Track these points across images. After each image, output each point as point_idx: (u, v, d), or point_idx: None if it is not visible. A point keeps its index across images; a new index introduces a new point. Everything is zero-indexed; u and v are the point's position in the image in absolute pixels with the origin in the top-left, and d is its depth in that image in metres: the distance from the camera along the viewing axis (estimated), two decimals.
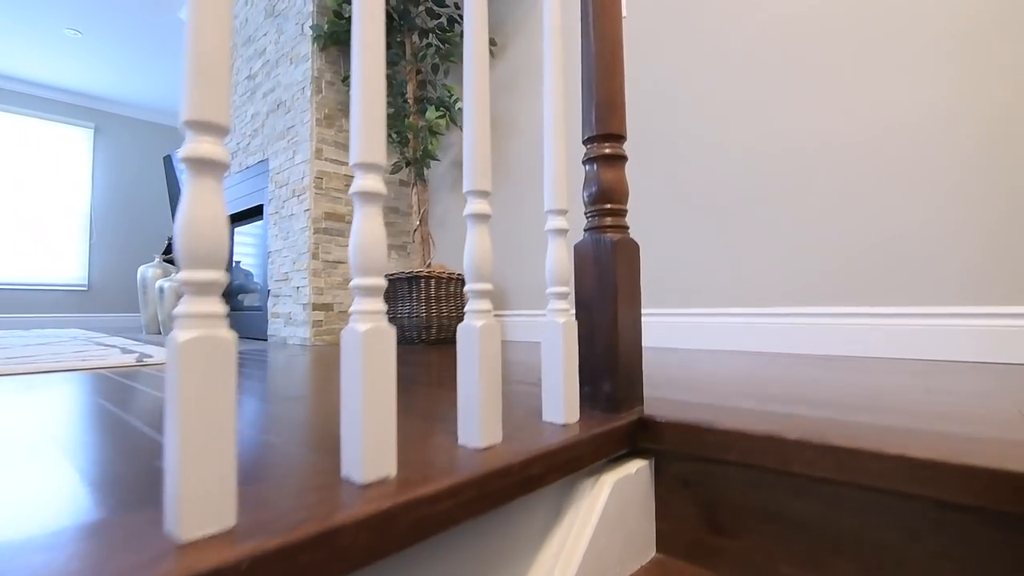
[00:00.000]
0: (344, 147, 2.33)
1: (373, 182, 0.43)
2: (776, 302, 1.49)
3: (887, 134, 1.32)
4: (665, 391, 0.81)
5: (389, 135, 2.18)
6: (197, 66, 0.32)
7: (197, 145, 0.32)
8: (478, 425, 0.50)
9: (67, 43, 3.82)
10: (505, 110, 2.28)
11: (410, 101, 2.15)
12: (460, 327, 0.52)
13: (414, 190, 2.17)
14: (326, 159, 2.26)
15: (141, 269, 3.22)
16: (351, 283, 0.42)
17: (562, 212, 0.64)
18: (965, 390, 0.80)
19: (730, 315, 1.57)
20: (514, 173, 2.23)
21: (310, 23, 2.27)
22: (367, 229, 0.42)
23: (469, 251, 0.52)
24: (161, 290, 3.02)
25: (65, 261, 4.69)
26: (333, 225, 2.28)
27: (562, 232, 0.64)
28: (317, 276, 2.22)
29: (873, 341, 1.30)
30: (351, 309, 0.42)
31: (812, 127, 1.44)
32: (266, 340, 2.50)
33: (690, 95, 1.70)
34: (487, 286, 0.53)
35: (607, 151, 0.71)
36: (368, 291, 0.42)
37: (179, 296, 3.03)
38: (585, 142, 0.73)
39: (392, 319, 2.06)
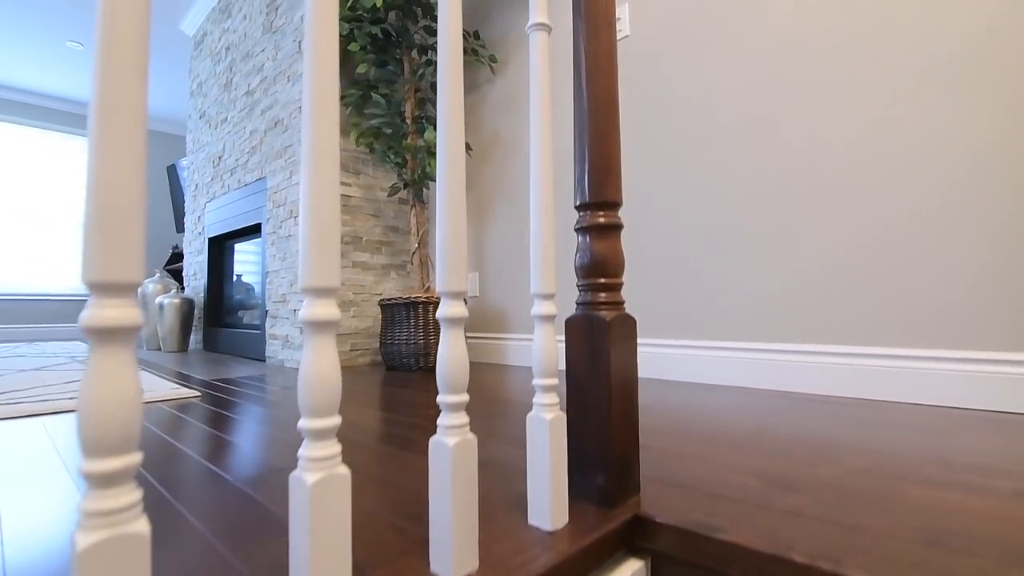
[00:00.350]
0: (342, 166, 2.28)
1: (326, 308, 0.38)
2: (782, 337, 1.43)
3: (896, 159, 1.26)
4: (662, 466, 0.76)
5: (386, 156, 2.14)
6: (101, 222, 0.28)
7: (101, 311, 0.28)
8: (451, 554, 0.45)
9: (70, 55, 3.81)
10: (506, 128, 2.23)
11: (408, 121, 2.11)
12: (432, 442, 0.47)
13: (412, 211, 2.13)
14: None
15: (144, 282, 3.20)
16: (303, 425, 0.37)
17: (549, 296, 0.59)
18: (993, 461, 0.74)
19: (731, 349, 1.51)
20: (515, 193, 2.18)
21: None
22: (320, 362, 0.37)
23: (442, 359, 0.47)
24: (161, 306, 2.99)
25: (68, 271, 4.69)
26: None
27: (549, 318, 0.59)
28: None
29: (886, 384, 1.24)
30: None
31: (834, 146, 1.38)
32: (264, 361, 2.47)
33: (697, 111, 1.64)
34: (462, 398, 0.48)
35: (601, 220, 0.65)
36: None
37: (183, 314, 3.01)
38: (578, 208, 0.68)
39: (389, 345, 2.02)
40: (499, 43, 2.30)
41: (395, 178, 2.41)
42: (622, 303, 0.66)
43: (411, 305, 1.98)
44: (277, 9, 2.45)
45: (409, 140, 2.10)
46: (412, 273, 2.44)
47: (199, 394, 1.55)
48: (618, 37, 1.87)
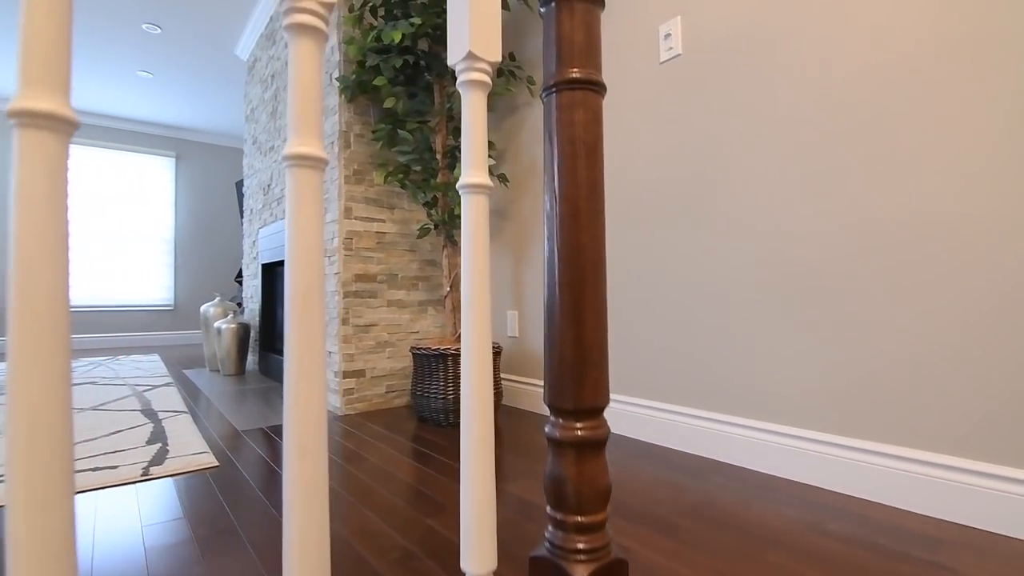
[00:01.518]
0: (375, 202, 2.19)
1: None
2: (832, 427, 1.16)
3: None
4: None
5: (416, 196, 2.01)
6: None
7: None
8: None
9: (141, 83, 4.01)
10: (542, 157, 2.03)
11: (439, 155, 1.96)
12: None
13: (444, 252, 2.00)
14: (356, 217, 2.14)
15: (204, 307, 3.32)
16: None
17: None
18: None
19: (789, 436, 1.26)
20: None
21: (337, 73, 2.14)
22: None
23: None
24: (219, 331, 3.09)
25: (154, 283, 5.03)
26: (364, 287, 2.16)
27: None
28: (348, 342, 2.12)
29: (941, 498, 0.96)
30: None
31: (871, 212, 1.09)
32: None
33: (724, 169, 1.38)
34: None
35: (579, 433, 0.47)
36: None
37: (239, 338, 3.09)
38: (548, 404, 0.50)
39: (420, 396, 1.92)
40: (537, 62, 2.10)
41: (424, 219, 2.28)
42: (607, 548, 0.48)
43: (441, 357, 1.85)
44: None
45: (439, 177, 1.96)
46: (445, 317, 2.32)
47: (216, 464, 1.51)
48: (668, 56, 1.61)
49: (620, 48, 1.78)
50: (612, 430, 1.77)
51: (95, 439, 1.76)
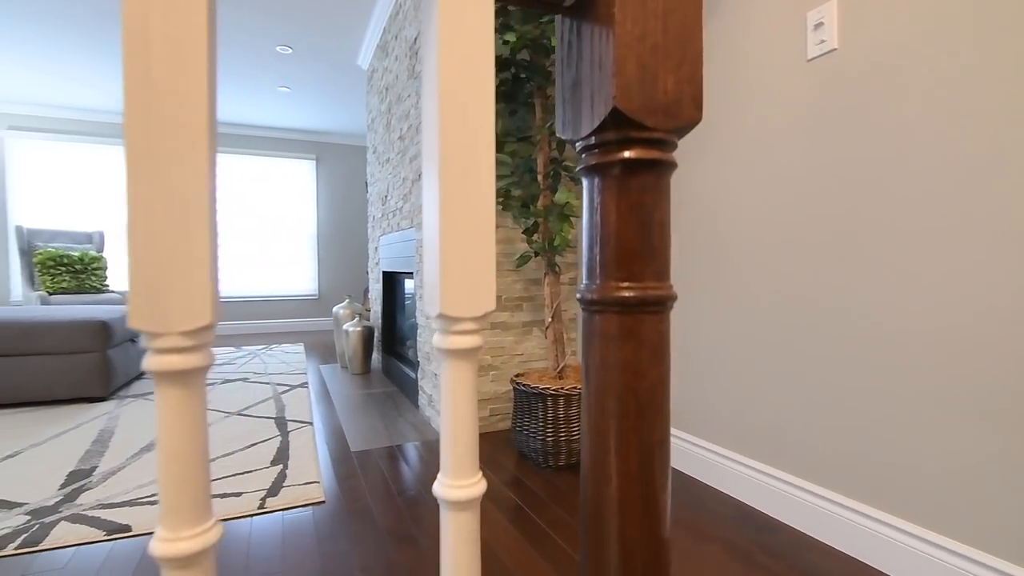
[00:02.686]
0: None
1: None
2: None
3: None
4: None
5: (517, 220, 1.90)
6: None
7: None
8: None
9: (282, 97, 4.37)
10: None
11: (540, 176, 1.82)
12: None
13: (546, 280, 1.87)
14: None
15: (335, 308, 3.58)
16: None
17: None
18: None
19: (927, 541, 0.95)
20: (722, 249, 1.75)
21: None
22: None
23: None
24: (347, 333, 3.30)
25: (301, 275, 5.59)
26: None
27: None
28: None
29: None
30: None
31: None
32: (418, 408, 2.52)
33: (888, 205, 1.04)
34: None
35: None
36: None
37: (364, 340, 3.29)
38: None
39: (519, 431, 1.84)
40: None
41: (524, 248, 2.15)
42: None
43: (540, 396, 1.75)
44: (417, 53, 2.34)
45: (540, 201, 1.82)
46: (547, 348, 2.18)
47: (322, 500, 1.58)
48: (818, 52, 1.29)
49: (752, 38, 1.47)
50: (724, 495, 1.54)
51: (232, 453, 1.95)
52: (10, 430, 2.22)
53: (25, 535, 1.38)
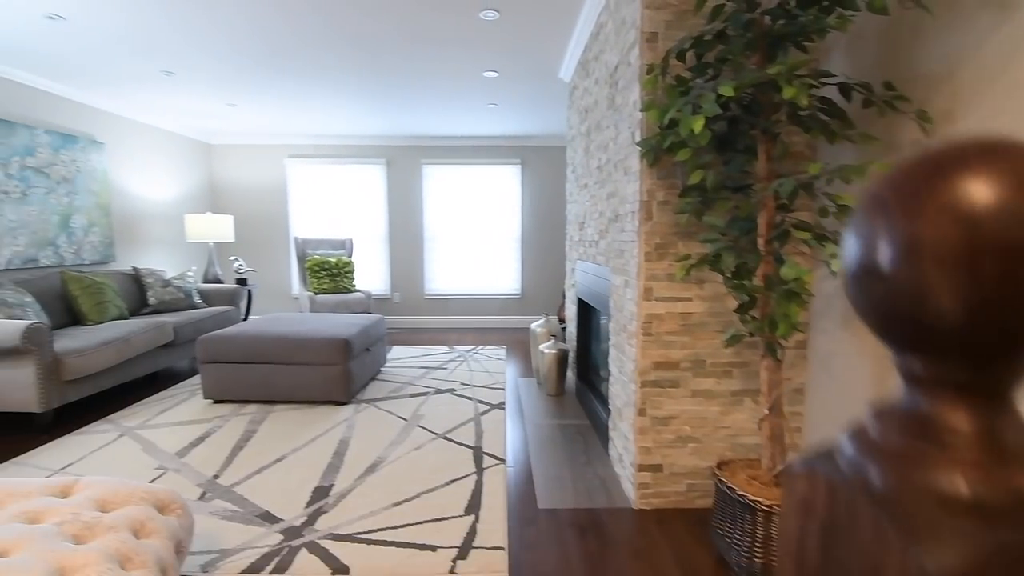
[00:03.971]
0: (679, 281, 1.87)
1: None
2: None
3: None
4: None
5: (729, 290, 1.60)
6: None
7: None
8: None
9: (491, 111, 4.56)
10: None
11: (760, 241, 1.50)
12: None
13: (763, 364, 1.55)
14: (657, 298, 1.88)
15: (532, 326, 3.65)
16: None
17: None
18: None
19: None
20: None
21: (638, 133, 1.85)
22: None
23: None
24: (542, 353, 3.34)
25: (506, 274, 5.90)
26: (664, 376, 1.91)
27: None
28: (644, 434, 1.93)
29: None
30: None
31: None
32: (608, 455, 2.41)
33: None
34: None
35: None
36: None
37: (559, 362, 3.29)
38: None
39: (719, 533, 1.59)
40: (926, 83, 1.33)
41: (734, 328, 1.81)
42: None
43: (747, 508, 1.48)
44: (617, 83, 2.14)
45: (760, 270, 1.50)
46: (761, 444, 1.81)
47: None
48: None
49: None
50: None
51: (435, 489, 2.11)
52: (285, 427, 2.77)
53: (277, 559, 1.68)
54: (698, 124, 1.29)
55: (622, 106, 2.07)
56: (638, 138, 1.86)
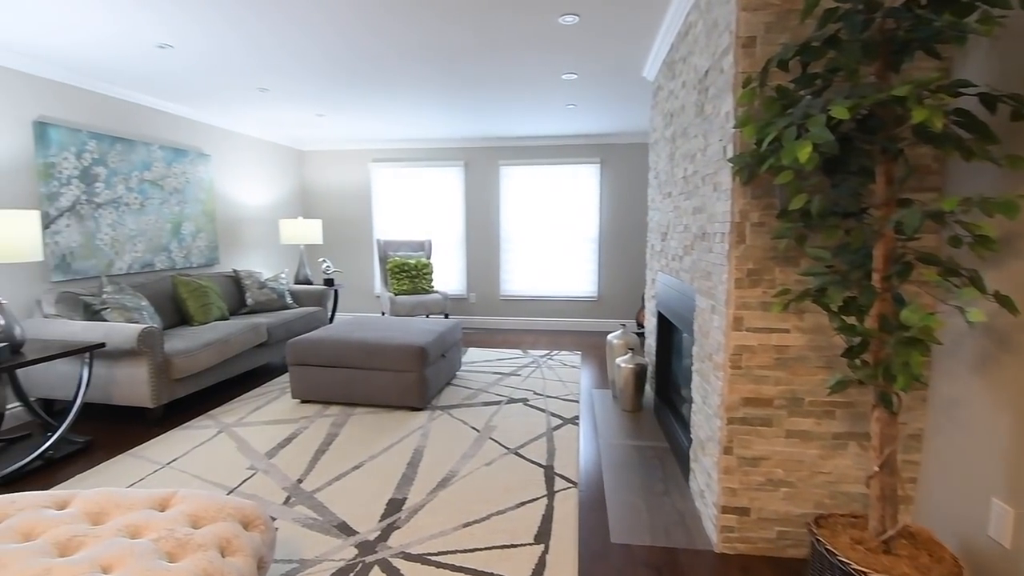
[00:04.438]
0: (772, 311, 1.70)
1: None
2: None
3: None
4: None
5: (835, 327, 1.42)
6: None
7: None
8: None
9: (569, 112, 4.45)
10: None
11: (876, 277, 1.31)
12: None
13: (874, 415, 1.36)
14: (748, 329, 1.71)
15: (609, 337, 3.52)
16: None
17: None
18: None
19: None
20: None
21: (731, 148, 1.69)
22: None
23: None
24: (619, 367, 3.21)
25: (582, 276, 5.77)
26: (755, 413, 1.75)
27: None
28: (730, 474, 1.78)
29: None
30: None
31: None
32: (688, 484, 2.26)
33: None
34: None
35: None
36: None
37: (636, 377, 3.16)
38: None
39: None
40: None
41: (841, 374, 1.60)
42: None
43: (847, 574, 1.31)
44: (707, 91, 1.97)
45: (873, 310, 1.31)
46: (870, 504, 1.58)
47: None
48: None
49: None
50: None
51: (504, 512, 2.08)
52: (363, 431, 2.86)
53: (352, 575, 1.72)
54: (804, 152, 1.13)
55: (712, 116, 1.90)
56: (731, 153, 1.70)
